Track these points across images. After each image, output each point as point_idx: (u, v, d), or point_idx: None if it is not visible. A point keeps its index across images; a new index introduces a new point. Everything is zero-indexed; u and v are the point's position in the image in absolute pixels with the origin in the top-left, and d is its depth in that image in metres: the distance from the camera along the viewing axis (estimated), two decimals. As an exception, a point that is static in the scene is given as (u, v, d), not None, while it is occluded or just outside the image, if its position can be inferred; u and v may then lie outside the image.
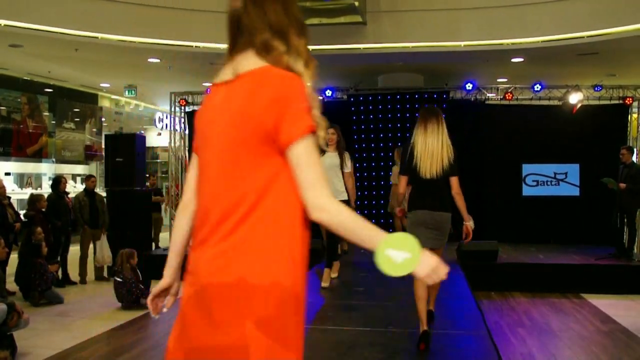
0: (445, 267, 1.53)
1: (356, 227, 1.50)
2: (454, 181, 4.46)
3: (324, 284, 6.34)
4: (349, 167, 6.34)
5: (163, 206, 11.58)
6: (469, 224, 4.57)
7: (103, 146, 12.55)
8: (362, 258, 9.20)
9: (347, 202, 6.04)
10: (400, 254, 1.48)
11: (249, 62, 1.58)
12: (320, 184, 1.50)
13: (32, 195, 8.59)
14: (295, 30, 1.64)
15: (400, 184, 4.56)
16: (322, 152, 6.12)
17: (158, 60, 10.36)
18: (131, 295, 6.60)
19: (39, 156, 12.88)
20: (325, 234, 6.46)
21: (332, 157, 6.13)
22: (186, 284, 1.59)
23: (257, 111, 1.49)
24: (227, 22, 1.65)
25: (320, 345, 4.34)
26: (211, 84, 1.68)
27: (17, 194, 11.83)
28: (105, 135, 11.31)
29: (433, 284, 4.24)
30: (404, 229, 5.11)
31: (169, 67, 10.81)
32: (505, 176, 10.55)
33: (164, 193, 12.48)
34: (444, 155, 4.35)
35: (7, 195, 8.22)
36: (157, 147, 16.85)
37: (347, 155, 6.36)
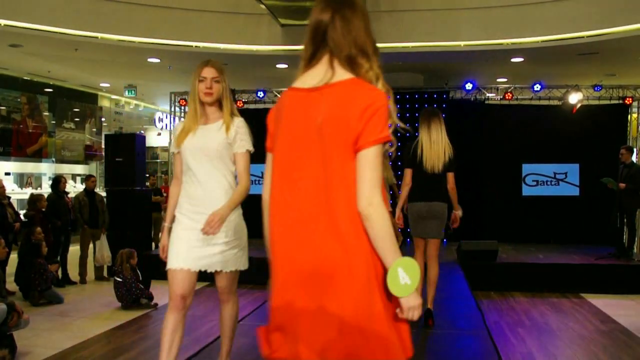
0: (420, 312, 1.74)
1: (387, 235, 1.70)
2: (451, 176, 4.99)
3: None
4: None
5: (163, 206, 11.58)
6: (458, 212, 5.11)
7: (103, 146, 12.56)
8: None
9: None
10: (405, 278, 1.70)
11: (338, 73, 1.78)
12: (377, 185, 1.71)
13: (32, 195, 8.60)
14: (372, 49, 1.84)
15: (407, 177, 5.01)
16: None
17: (158, 60, 10.37)
18: (131, 295, 6.59)
19: (38, 156, 12.88)
20: None
21: None
22: (284, 271, 1.75)
23: (351, 117, 1.68)
24: (310, 31, 1.85)
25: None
26: (289, 88, 1.87)
27: (17, 194, 11.84)
28: (105, 135, 11.31)
29: (431, 283, 4.31)
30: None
31: (169, 67, 10.81)
32: (505, 176, 10.56)
33: (163, 193, 12.49)
34: (446, 152, 4.91)
35: (7, 195, 8.22)
36: (157, 147, 16.86)
37: None
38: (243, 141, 3.26)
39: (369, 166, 1.69)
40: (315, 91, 1.77)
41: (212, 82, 3.25)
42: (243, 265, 3.35)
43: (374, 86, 1.77)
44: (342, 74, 1.77)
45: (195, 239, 3.18)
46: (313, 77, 1.81)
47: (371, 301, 1.68)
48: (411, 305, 1.72)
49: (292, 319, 1.72)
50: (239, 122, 3.30)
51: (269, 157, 1.89)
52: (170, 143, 3.36)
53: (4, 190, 7.84)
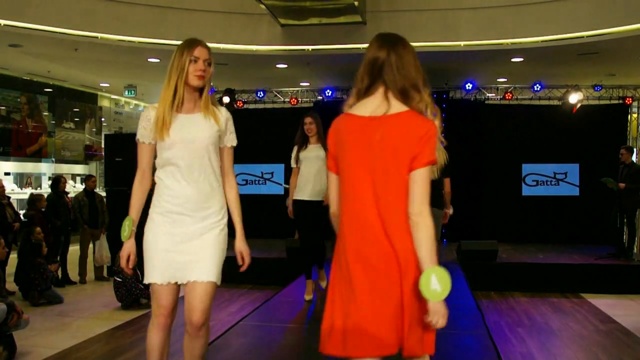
0: (444, 322, 2.04)
1: (429, 241, 2.04)
2: (447, 181, 5.57)
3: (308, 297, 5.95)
4: None
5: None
6: (449, 211, 5.67)
7: (103, 146, 12.56)
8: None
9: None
10: (436, 284, 1.99)
11: (393, 105, 2.13)
12: (426, 199, 2.08)
13: (32, 194, 8.59)
14: (423, 83, 2.21)
15: None
16: (305, 144, 5.67)
17: (158, 60, 10.36)
18: (131, 295, 6.59)
19: (38, 156, 12.88)
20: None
21: (316, 149, 5.66)
22: (357, 269, 2.10)
23: (410, 144, 2.06)
24: (367, 65, 2.23)
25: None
26: (347, 114, 2.24)
27: (17, 194, 11.84)
28: (105, 135, 11.31)
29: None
30: None
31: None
32: (505, 176, 10.56)
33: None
34: (441, 158, 5.13)
35: (7, 195, 8.22)
36: (157, 147, 16.85)
37: None
38: (232, 134, 2.92)
39: (421, 182, 2.06)
40: (375, 120, 2.11)
41: (205, 64, 2.84)
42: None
43: (426, 118, 2.13)
44: (398, 106, 2.12)
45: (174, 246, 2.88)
46: (369, 106, 2.16)
47: (400, 292, 2.03)
48: (437, 311, 2.00)
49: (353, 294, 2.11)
50: (227, 113, 2.93)
51: (334, 176, 2.25)
52: (139, 132, 2.67)
53: (4, 190, 7.84)
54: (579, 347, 5.18)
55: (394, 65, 2.17)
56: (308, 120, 5.64)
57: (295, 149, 5.75)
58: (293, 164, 5.76)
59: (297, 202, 5.71)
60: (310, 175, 5.62)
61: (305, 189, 5.64)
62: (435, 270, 1.99)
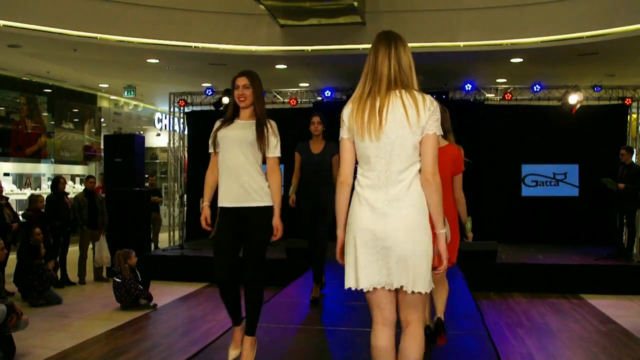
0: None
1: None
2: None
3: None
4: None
5: (161, 206, 11.57)
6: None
7: (102, 146, 12.55)
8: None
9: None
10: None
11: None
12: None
13: (31, 195, 8.58)
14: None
15: None
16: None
17: (157, 61, 10.36)
18: (130, 296, 6.59)
19: (37, 156, 12.87)
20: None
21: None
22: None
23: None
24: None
25: (320, 345, 4.34)
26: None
27: (16, 195, 11.83)
28: (105, 136, 11.31)
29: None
30: None
31: (167, 67, 10.80)
32: (504, 176, 10.55)
33: (162, 194, 12.48)
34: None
35: (5, 195, 8.21)
36: (156, 147, 16.85)
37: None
38: None
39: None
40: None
41: None
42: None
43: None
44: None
45: None
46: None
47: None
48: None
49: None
50: None
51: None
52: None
53: (1, 190, 7.82)
54: (578, 347, 5.18)
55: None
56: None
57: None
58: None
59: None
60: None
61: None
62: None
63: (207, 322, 5.97)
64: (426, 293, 2.50)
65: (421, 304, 2.57)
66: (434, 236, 2.50)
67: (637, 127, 10.43)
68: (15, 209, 8.45)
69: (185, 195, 10.83)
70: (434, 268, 2.52)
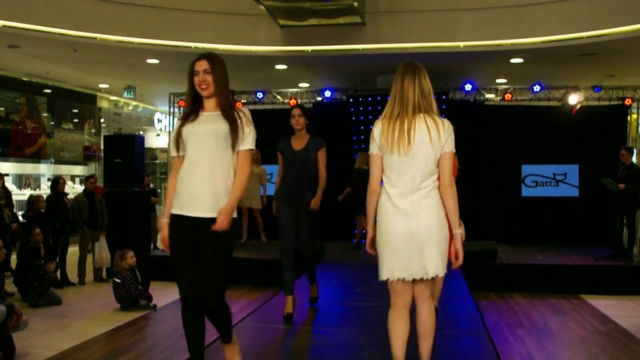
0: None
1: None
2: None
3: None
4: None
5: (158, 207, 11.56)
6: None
7: (102, 147, 12.54)
8: (362, 259, 9.21)
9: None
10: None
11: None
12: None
13: (31, 196, 8.58)
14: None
15: None
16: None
17: (157, 61, 10.36)
18: (130, 296, 6.58)
19: (37, 157, 12.87)
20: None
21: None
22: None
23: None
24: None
25: (319, 345, 4.33)
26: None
27: (16, 195, 11.81)
28: (104, 136, 11.30)
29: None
30: None
31: (167, 67, 10.80)
32: (504, 177, 10.55)
33: (158, 194, 12.47)
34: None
35: (3, 196, 8.20)
36: (156, 148, 16.85)
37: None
38: None
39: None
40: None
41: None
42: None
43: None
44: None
45: None
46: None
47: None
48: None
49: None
50: None
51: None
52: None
53: (1, 191, 7.82)
54: (578, 348, 5.17)
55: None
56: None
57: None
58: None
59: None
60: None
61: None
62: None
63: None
64: (439, 277, 3.08)
65: (432, 284, 3.18)
66: (451, 236, 3.07)
67: (637, 128, 10.42)
68: (14, 209, 8.44)
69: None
70: (450, 263, 3.10)
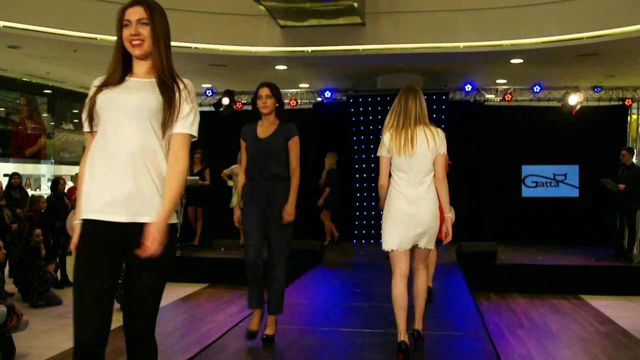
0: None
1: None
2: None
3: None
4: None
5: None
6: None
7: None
8: (362, 259, 9.21)
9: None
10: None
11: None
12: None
13: (32, 196, 8.58)
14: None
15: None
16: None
17: (157, 62, 10.34)
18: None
19: (37, 157, 12.88)
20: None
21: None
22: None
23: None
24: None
25: (319, 346, 4.33)
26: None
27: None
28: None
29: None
30: None
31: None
32: (504, 177, 10.56)
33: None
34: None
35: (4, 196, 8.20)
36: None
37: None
38: None
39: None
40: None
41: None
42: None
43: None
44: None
45: None
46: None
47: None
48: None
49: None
50: None
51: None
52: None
53: (1, 192, 7.81)
54: (578, 348, 5.18)
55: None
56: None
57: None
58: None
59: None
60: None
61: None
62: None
63: (207, 323, 5.96)
64: (429, 249, 3.91)
65: (426, 257, 3.97)
66: (442, 218, 3.85)
67: (637, 128, 10.43)
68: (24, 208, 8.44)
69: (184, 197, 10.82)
70: (440, 240, 3.90)
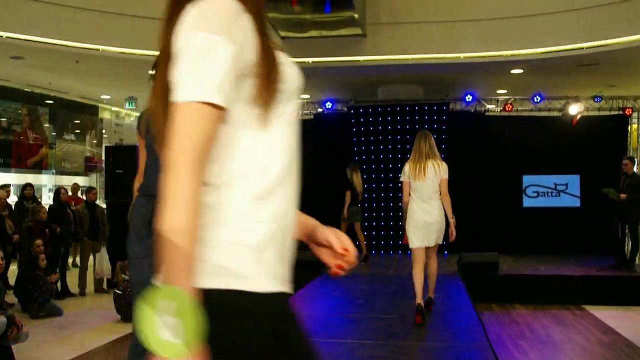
0: None
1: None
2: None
3: None
4: None
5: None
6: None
7: (103, 158, 12.56)
8: (362, 270, 9.18)
9: None
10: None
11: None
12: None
13: (33, 206, 8.58)
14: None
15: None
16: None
17: (158, 72, 10.37)
18: (131, 308, 6.55)
19: (39, 167, 12.90)
20: None
21: None
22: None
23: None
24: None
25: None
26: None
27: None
28: (106, 147, 11.33)
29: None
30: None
31: (169, 79, 10.83)
32: (505, 187, 10.55)
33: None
34: None
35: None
36: (158, 158, 16.85)
37: None
38: None
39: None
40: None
41: None
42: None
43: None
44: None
45: None
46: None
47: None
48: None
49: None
50: None
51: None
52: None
53: (4, 201, 7.82)
54: (581, 359, 5.15)
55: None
56: None
57: None
58: None
59: None
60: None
61: None
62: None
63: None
64: (438, 244, 5.38)
65: (435, 249, 5.43)
66: (448, 223, 5.25)
67: (638, 138, 10.44)
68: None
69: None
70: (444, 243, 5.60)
